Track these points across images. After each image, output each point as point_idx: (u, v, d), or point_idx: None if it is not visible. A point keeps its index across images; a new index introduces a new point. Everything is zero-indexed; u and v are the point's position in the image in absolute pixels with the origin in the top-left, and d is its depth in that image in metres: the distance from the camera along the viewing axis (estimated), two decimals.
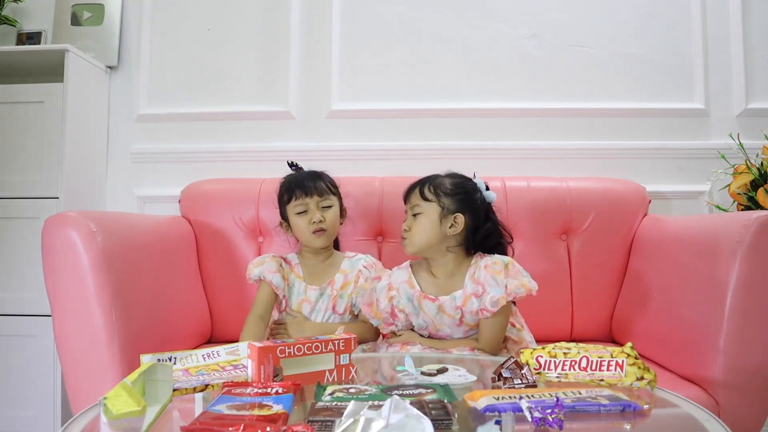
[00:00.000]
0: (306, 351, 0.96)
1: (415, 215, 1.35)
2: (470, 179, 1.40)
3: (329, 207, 1.48)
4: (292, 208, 1.48)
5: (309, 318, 1.48)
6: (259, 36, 1.95)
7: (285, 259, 1.54)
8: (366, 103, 1.93)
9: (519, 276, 1.30)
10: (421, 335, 1.40)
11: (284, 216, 1.52)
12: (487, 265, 1.32)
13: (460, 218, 1.34)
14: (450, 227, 1.33)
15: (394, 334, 1.41)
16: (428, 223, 1.33)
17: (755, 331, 1.19)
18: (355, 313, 1.50)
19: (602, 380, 0.95)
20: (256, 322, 1.44)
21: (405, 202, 1.40)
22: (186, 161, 1.92)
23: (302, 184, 1.48)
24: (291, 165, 1.56)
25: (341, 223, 1.55)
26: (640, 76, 1.90)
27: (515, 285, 1.28)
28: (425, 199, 1.35)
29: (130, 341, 1.23)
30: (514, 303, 1.40)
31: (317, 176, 1.51)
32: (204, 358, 1.03)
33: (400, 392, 0.85)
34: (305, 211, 1.46)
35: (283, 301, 1.50)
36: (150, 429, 0.74)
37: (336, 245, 1.59)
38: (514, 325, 1.44)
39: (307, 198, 1.46)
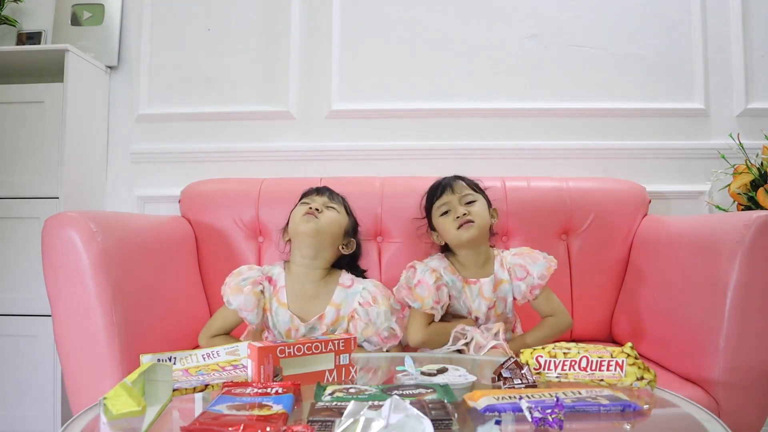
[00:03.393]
0: (306, 351, 0.96)
1: (468, 203, 1.39)
2: None
3: (332, 209, 1.41)
4: (301, 202, 1.44)
5: None
6: (259, 36, 1.95)
7: (269, 279, 1.40)
8: (366, 103, 1.93)
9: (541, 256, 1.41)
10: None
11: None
12: (515, 253, 1.43)
13: (495, 212, 1.45)
14: (492, 218, 1.43)
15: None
16: (484, 210, 1.40)
17: (755, 331, 1.19)
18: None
19: (602, 380, 0.95)
20: (221, 340, 1.38)
21: (448, 192, 1.41)
22: (186, 161, 1.92)
23: (320, 188, 1.48)
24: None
25: (342, 246, 1.42)
26: (640, 76, 1.90)
27: (549, 259, 1.39)
28: (475, 189, 1.42)
29: (130, 341, 1.23)
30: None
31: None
32: (204, 358, 1.03)
33: (400, 392, 0.85)
34: (308, 204, 1.41)
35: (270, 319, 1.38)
36: (150, 429, 0.74)
37: (340, 266, 1.45)
38: (514, 330, 1.46)
39: (317, 196, 1.44)
